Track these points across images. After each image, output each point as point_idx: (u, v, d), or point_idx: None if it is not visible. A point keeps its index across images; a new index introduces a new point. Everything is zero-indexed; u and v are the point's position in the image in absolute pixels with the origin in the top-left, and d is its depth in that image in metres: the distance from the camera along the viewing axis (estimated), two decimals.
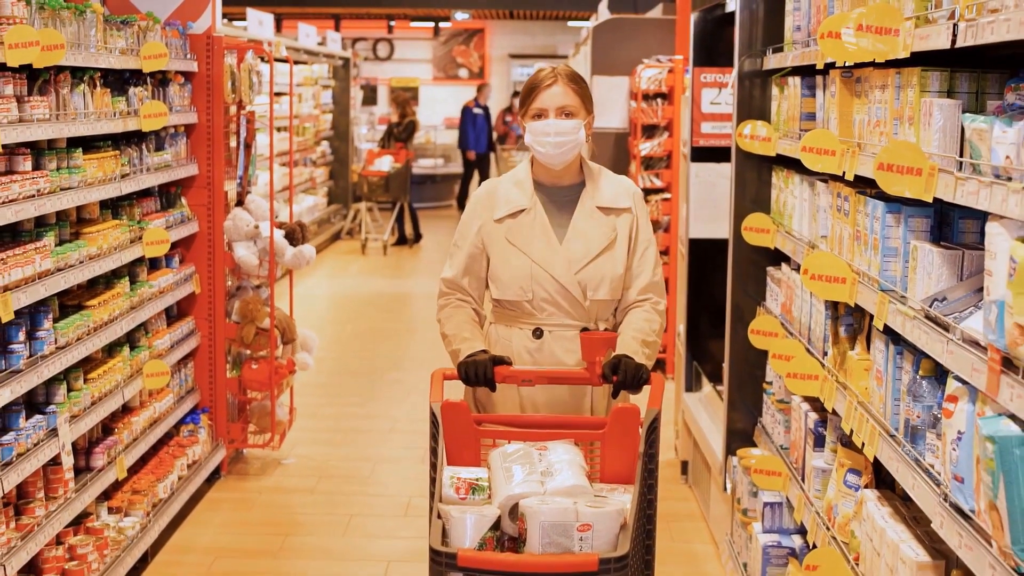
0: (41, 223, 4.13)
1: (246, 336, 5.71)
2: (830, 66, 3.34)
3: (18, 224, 3.93)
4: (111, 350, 4.63)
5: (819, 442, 3.58)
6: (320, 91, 14.88)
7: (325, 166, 15.09)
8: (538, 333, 3.33)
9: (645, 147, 8.20)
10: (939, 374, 2.65)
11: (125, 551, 4.38)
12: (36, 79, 3.98)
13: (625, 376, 3.09)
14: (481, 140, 16.97)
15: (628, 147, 8.63)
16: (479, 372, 3.15)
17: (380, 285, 11.94)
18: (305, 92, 13.98)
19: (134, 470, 4.85)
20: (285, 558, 4.88)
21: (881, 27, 2.70)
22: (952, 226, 2.78)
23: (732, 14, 4.48)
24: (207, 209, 5.53)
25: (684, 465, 5.77)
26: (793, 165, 3.90)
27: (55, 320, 4.05)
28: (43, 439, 3.88)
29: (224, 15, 9.35)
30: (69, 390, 4.14)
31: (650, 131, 8.29)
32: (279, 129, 12.06)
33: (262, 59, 6.22)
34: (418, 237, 14.49)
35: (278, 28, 16.17)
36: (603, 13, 10.13)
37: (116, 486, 4.65)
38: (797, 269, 3.81)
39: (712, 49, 5.59)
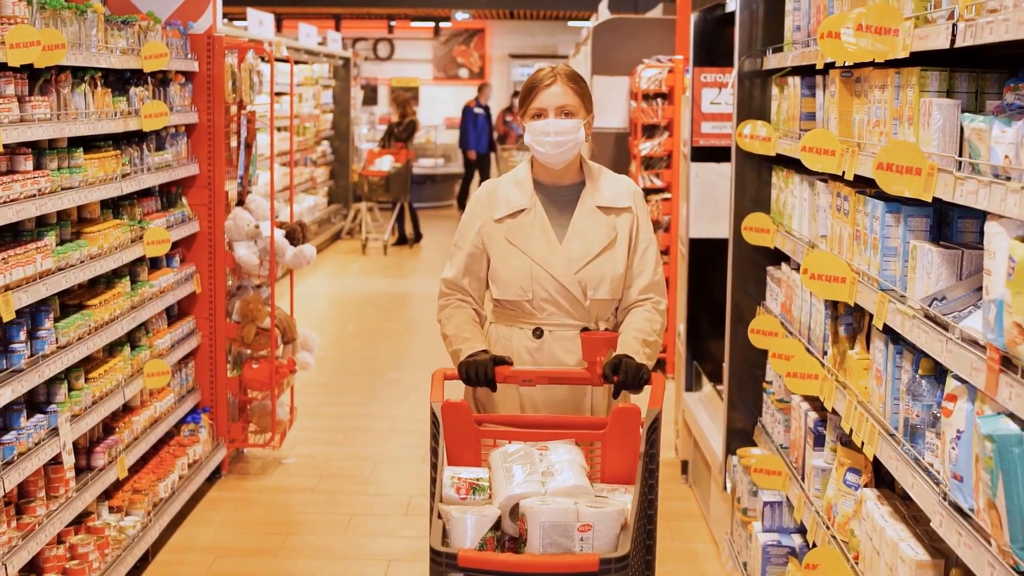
0: (42, 223, 4.13)
1: (247, 336, 5.71)
2: (830, 66, 3.35)
3: (19, 224, 3.94)
4: (112, 349, 4.64)
5: (819, 441, 3.59)
6: (320, 91, 14.89)
7: (325, 166, 15.09)
8: (538, 333, 3.34)
9: (645, 147, 8.21)
10: (938, 373, 2.65)
11: (126, 550, 4.39)
12: (37, 79, 3.99)
13: (626, 376, 3.09)
14: (482, 140, 16.97)
15: (628, 147, 8.64)
16: (480, 372, 3.15)
17: (380, 285, 11.94)
18: (305, 92, 13.99)
19: (135, 469, 4.86)
20: (286, 557, 4.88)
21: (880, 27, 2.70)
22: (951, 226, 2.79)
23: (732, 14, 4.48)
24: (208, 209, 5.53)
25: (684, 464, 5.77)
26: (793, 165, 3.90)
27: (56, 319, 4.05)
28: (44, 438, 3.88)
29: (224, 15, 9.36)
30: (70, 389, 4.15)
31: (650, 131, 8.30)
32: (280, 129, 12.06)
33: (263, 59, 6.23)
34: (418, 237, 14.49)
35: (278, 28, 16.18)
36: (603, 13, 10.13)
37: (117, 485, 4.65)
38: (797, 269, 3.82)
39: (712, 49, 5.59)
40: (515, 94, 19.53)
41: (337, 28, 19.04)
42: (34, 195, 3.82)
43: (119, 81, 4.77)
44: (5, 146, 3.66)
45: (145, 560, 4.70)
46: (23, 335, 3.78)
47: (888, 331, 2.89)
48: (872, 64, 2.89)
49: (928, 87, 2.67)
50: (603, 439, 3.01)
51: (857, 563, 3.09)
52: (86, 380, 4.28)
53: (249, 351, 5.85)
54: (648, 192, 8.09)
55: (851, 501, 3.20)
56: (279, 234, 5.92)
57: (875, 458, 2.94)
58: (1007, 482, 2.07)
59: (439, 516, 2.71)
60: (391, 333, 9.54)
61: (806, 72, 3.78)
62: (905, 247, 2.80)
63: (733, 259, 4.54)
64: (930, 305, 2.57)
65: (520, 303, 3.34)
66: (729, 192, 4.53)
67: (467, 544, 2.65)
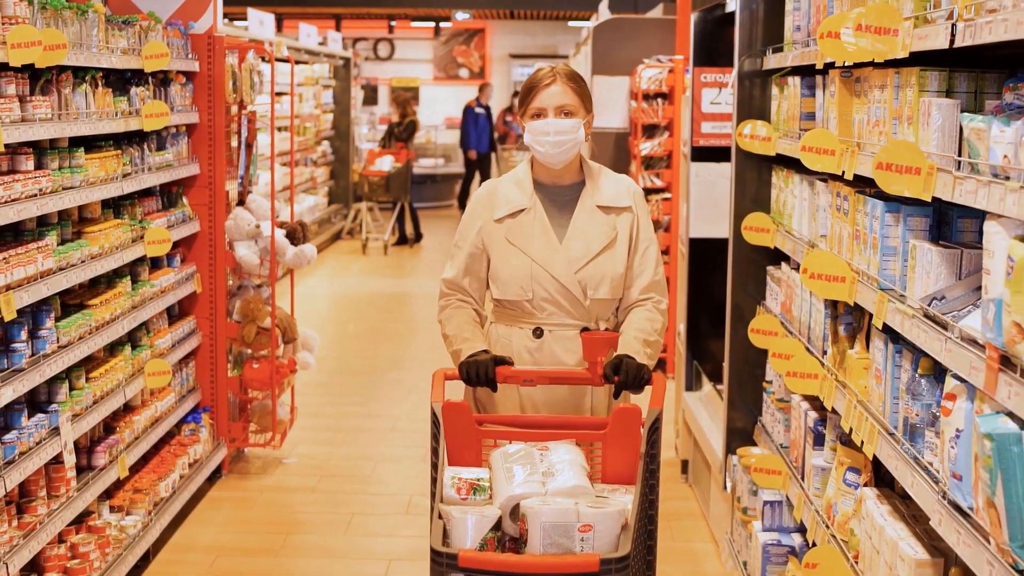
0: (43, 222, 4.14)
1: (247, 335, 5.72)
2: (830, 66, 3.35)
3: (20, 223, 3.95)
4: (113, 349, 4.64)
5: (819, 441, 3.59)
6: (321, 91, 14.90)
7: (326, 166, 15.10)
8: (538, 333, 3.34)
9: (645, 147, 8.21)
10: (938, 372, 2.66)
11: (127, 550, 4.39)
12: (38, 79, 3.99)
13: (627, 376, 3.09)
14: (483, 140, 16.97)
15: (629, 147, 8.64)
16: (481, 372, 3.15)
17: (381, 285, 11.95)
18: (306, 92, 13.99)
19: (136, 469, 4.87)
20: (286, 556, 4.89)
21: (880, 27, 2.71)
22: (951, 225, 2.79)
23: (732, 14, 4.49)
24: (208, 209, 5.54)
25: (684, 464, 5.78)
26: (793, 165, 3.91)
27: (57, 319, 4.06)
28: (45, 438, 3.89)
29: (225, 15, 9.37)
30: (71, 389, 4.15)
31: (650, 131, 8.30)
32: (280, 129, 12.07)
33: (263, 59, 6.23)
34: (419, 237, 14.50)
35: (279, 28, 16.18)
36: (603, 13, 10.14)
37: (118, 485, 4.66)
38: (797, 268, 3.82)
39: (712, 49, 5.60)
40: (515, 94, 19.52)
41: (337, 28, 19.05)
42: (35, 195, 3.83)
43: (120, 81, 4.78)
44: (6, 146, 3.67)
45: (146, 559, 4.70)
46: (24, 334, 3.79)
47: (888, 330, 2.89)
48: (872, 64, 2.90)
49: (927, 87, 2.68)
50: (604, 439, 3.01)
51: (857, 562, 3.10)
52: (87, 379, 4.28)
53: (250, 351, 5.85)
54: (648, 192, 8.09)
55: (851, 500, 3.21)
56: (280, 234, 5.93)
57: (875, 457, 2.95)
58: (1006, 481, 2.08)
59: (440, 516, 2.70)
60: (391, 333, 9.55)
61: (806, 72, 3.79)
62: (904, 247, 2.81)
63: (733, 259, 4.55)
64: (929, 304, 2.57)
65: (520, 303, 3.34)
66: (729, 192, 4.54)
67: (468, 544, 2.65)
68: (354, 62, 16.33)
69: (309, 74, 14.25)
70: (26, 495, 3.87)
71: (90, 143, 4.50)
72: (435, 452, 2.95)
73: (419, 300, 11.01)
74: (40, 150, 4.01)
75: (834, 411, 3.40)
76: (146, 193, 5.13)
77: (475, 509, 2.72)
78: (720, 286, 4.81)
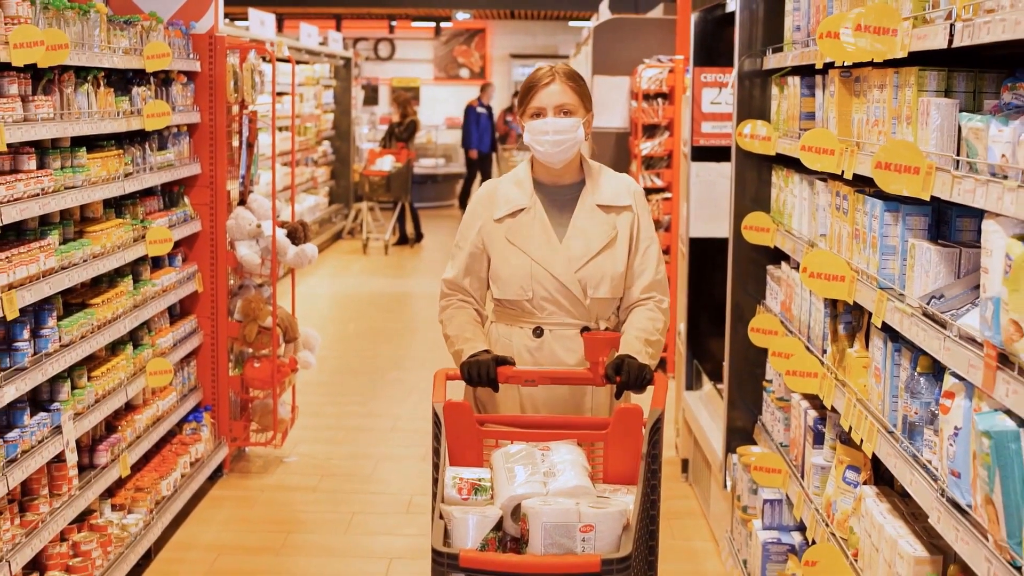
0: (45, 222, 4.15)
1: (248, 335, 5.73)
2: (829, 66, 3.36)
3: (23, 223, 3.96)
4: (114, 348, 4.65)
5: (818, 439, 3.60)
6: (322, 91, 14.91)
7: (326, 166, 15.11)
8: (538, 332, 3.34)
9: (646, 147, 8.23)
10: (937, 371, 2.67)
11: (128, 548, 4.41)
12: (40, 79, 4.01)
13: (628, 377, 3.09)
14: (484, 139, 16.97)
15: (629, 147, 8.65)
16: (482, 372, 3.15)
17: (381, 285, 11.96)
18: (307, 92, 14.00)
19: (137, 468, 4.88)
20: (287, 555, 4.90)
21: (879, 27, 2.72)
22: (950, 224, 2.80)
23: (732, 14, 4.50)
24: (210, 208, 5.55)
25: (684, 463, 5.79)
26: (793, 164, 3.92)
27: (59, 318, 4.07)
28: (47, 436, 3.90)
29: (226, 15, 9.38)
30: (73, 388, 4.16)
31: (651, 131, 8.31)
32: (281, 129, 12.08)
33: (264, 59, 6.24)
34: (419, 237, 14.51)
35: (280, 28, 16.19)
36: (604, 13, 10.14)
37: (119, 483, 4.67)
38: (797, 267, 3.83)
39: (712, 49, 5.61)
40: (515, 94, 19.52)
41: (338, 28, 19.06)
42: (37, 194, 3.84)
43: (122, 81, 4.79)
44: (9, 145, 3.68)
45: (147, 558, 4.71)
46: (26, 333, 3.80)
47: (887, 329, 2.90)
48: (871, 64, 2.91)
49: (926, 87, 2.69)
50: (605, 439, 3.01)
51: (856, 560, 3.11)
52: (89, 378, 4.29)
53: (251, 350, 5.86)
54: (649, 192, 8.10)
55: (850, 498, 3.22)
56: (281, 233, 5.94)
57: (874, 455, 2.96)
58: (1004, 478, 2.09)
59: (441, 516, 2.71)
60: (392, 332, 9.56)
61: (806, 72, 3.80)
62: (904, 246, 2.82)
63: (733, 258, 4.56)
64: (928, 303, 2.58)
65: (520, 302, 3.35)
66: (729, 191, 4.55)
67: (469, 544, 2.65)
68: (355, 62, 16.33)
69: (310, 74, 14.26)
70: (28, 493, 3.88)
71: (92, 143, 4.51)
72: (436, 452, 2.95)
73: (420, 300, 11.02)
74: (42, 150, 4.02)
75: (834, 410, 3.41)
76: (148, 193, 5.14)
77: (476, 509, 2.72)
78: (720, 285, 4.82)
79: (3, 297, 3.52)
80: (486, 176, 16.56)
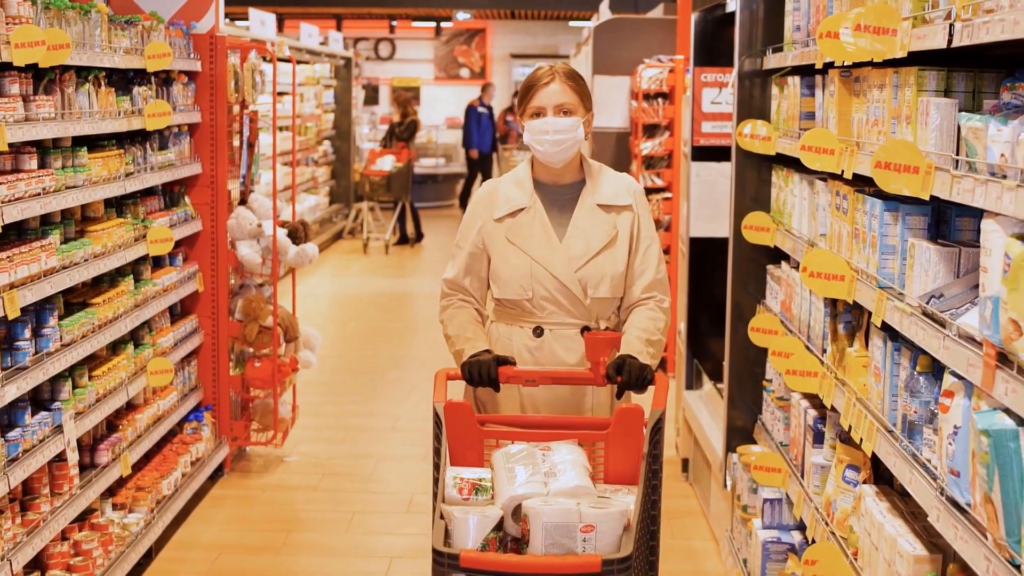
0: (47, 221, 4.16)
1: (249, 334, 5.73)
2: (829, 66, 3.37)
3: (24, 222, 3.97)
4: (115, 347, 4.66)
5: (818, 438, 3.61)
6: (322, 91, 14.91)
7: (327, 165, 15.12)
8: (538, 332, 3.34)
9: (646, 146, 8.23)
10: (936, 370, 2.67)
11: (129, 547, 4.41)
12: (42, 78, 4.01)
13: (630, 377, 3.08)
14: (485, 139, 16.98)
15: (629, 146, 8.66)
16: (483, 372, 3.14)
17: (382, 284, 11.97)
18: (307, 92, 14.01)
19: (138, 467, 4.88)
20: (288, 554, 4.91)
21: (879, 27, 2.72)
22: (949, 224, 2.81)
23: (732, 14, 4.50)
24: (210, 208, 5.55)
25: (685, 463, 5.79)
26: (793, 164, 3.92)
27: (60, 318, 4.07)
28: (48, 435, 3.91)
29: (226, 15, 9.38)
30: (74, 387, 4.17)
31: (651, 130, 8.32)
32: (281, 128, 12.09)
33: (265, 59, 6.25)
34: (419, 237, 14.51)
35: (280, 28, 16.20)
36: (604, 13, 10.15)
37: (120, 483, 4.68)
38: (797, 267, 3.84)
39: (712, 49, 5.61)
40: (516, 94, 19.52)
41: (338, 28, 19.07)
42: (39, 194, 3.85)
43: (122, 81, 4.79)
44: (10, 145, 3.68)
45: (148, 557, 4.72)
46: (28, 333, 3.80)
47: (886, 328, 2.91)
48: (871, 64, 2.91)
49: (926, 87, 2.69)
50: (606, 439, 3.01)
51: (856, 559, 3.11)
52: (90, 378, 4.30)
53: (251, 349, 5.87)
54: (649, 191, 8.10)
55: (850, 497, 3.22)
56: (281, 233, 5.95)
57: (873, 455, 2.96)
58: (1003, 477, 2.09)
59: (441, 516, 2.71)
60: (392, 332, 9.56)
61: (806, 72, 3.80)
62: (903, 245, 2.83)
63: (733, 258, 4.56)
64: (928, 302, 2.59)
65: (520, 302, 3.35)
66: (729, 191, 4.55)
67: (469, 545, 2.65)
68: (355, 62, 16.34)
69: (310, 74, 14.27)
70: (29, 493, 3.89)
71: (93, 142, 4.52)
72: (437, 452, 2.95)
73: (420, 300, 11.03)
74: (43, 149, 4.03)
75: (833, 409, 3.41)
76: (148, 192, 5.15)
77: (477, 509, 2.72)
78: (720, 285, 4.82)
79: (4, 296, 3.52)
80: (487, 176, 16.56)
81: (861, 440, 3.01)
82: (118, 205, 4.83)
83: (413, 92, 20.10)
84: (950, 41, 2.42)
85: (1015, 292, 2.03)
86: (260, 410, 6.00)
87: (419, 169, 16.89)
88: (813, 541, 3.48)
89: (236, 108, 5.83)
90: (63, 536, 4.08)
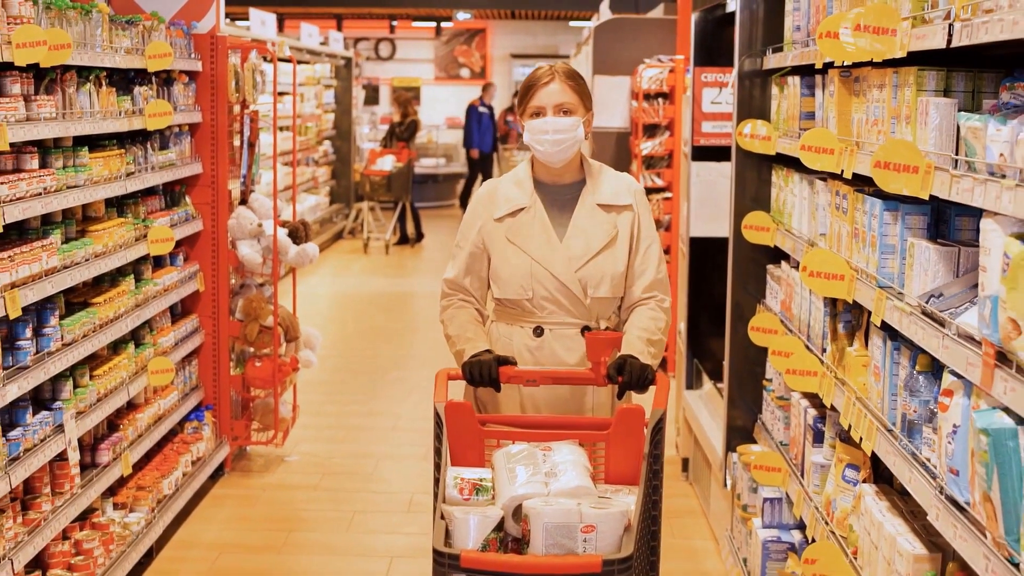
0: (48, 221, 4.16)
1: (250, 334, 5.74)
2: (829, 66, 3.37)
3: (25, 222, 3.97)
4: (116, 347, 4.66)
5: (818, 438, 3.61)
6: (322, 91, 14.92)
7: (327, 165, 15.12)
8: (539, 331, 3.34)
9: (646, 146, 8.24)
10: (935, 369, 2.68)
11: (130, 546, 4.42)
12: (43, 78, 4.02)
13: (631, 377, 3.08)
14: (486, 139, 16.98)
15: (629, 146, 8.67)
16: (484, 372, 3.14)
17: (382, 284, 11.97)
18: (307, 92, 14.01)
19: (139, 466, 4.89)
20: (288, 554, 4.91)
21: (879, 27, 2.73)
22: (948, 223, 2.82)
23: (732, 14, 4.51)
24: (211, 207, 5.56)
25: (685, 462, 5.80)
26: (793, 164, 3.93)
27: (61, 317, 4.08)
28: (49, 435, 3.91)
29: (227, 15, 9.38)
30: (75, 386, 4.18)
31: (651, 130, 8.32)
32: (282, 128, 12.09)
33: (265, 59, 6.25)
34: (420, 236, 14.52)
35: (280, 28, 16.20)
36: (604, 13, 10.15)
37: (121, 482, 4.68)
38: (797, 267, 3.84)
39: (713, 49, 5.62)
40: (516, 94, 19.48)
41: (339, 28, 19.07)
42: (40, 193, 3.85)
43: (123, 80, 4.80)
44: (11, 145, 3.69)
45: (149, 556, 4.73)
46: (29, 332, 3.81)
47: (886, 328, 2.91)
48: (870, 64, 2.92)
49: (925, 86, 2.70)
50: (607, 440, 3.01)
51: (856, 558, 3.12)
52: (91, 377, 4.31)
53: (252, 349, 5.88)
54: (649, 191, 8.11)
55: (850, 497, 3.23)
56: (282, 233, 5.95)
57: (873, 454, 2.97)
58: (1002, 475, 2.10)
59: (442, 517, 2.71)
60: (393, 332, 9.57)
61: (806, 72, 3.81)
62: (903, 245, 2.83)
63: (733, 257, 4.57)
64: (927, 302, 2.60)
65: (520, 302, 3.35)
66: (729, 191, 4.56)
67: (470, 545, 2.65)
68: (355, 62, 16.35)
69: (311, 74, 14.27)
70: (31, 492, 3.89)
71: (94, 142, 4.52)
72: (438, 452, 2.95)
73: (420, 300, 11.04)
74: (45, 149, 4.03)
75: (833, 408, 3.42)
76: (149, 192, 5.15)
77: (477, 509, 2.72)
78: (720, 285, 4.83)
79: (6, 296, 3.53)
80: (487, 176, 16.56)
81: (861, 439, 3.02)
82: (119, 205, 4.84)
83: (413, 92, 20.11)
84: (949, 41, 2.43)
85: (1014, 291, 2.04)
86: (261, 410, 6.00)
87: (419, 169, 16.89)
88: (813, 540, 3.49)
89: (237, 108, 5.83)
90: (64, 535, 4.09)
